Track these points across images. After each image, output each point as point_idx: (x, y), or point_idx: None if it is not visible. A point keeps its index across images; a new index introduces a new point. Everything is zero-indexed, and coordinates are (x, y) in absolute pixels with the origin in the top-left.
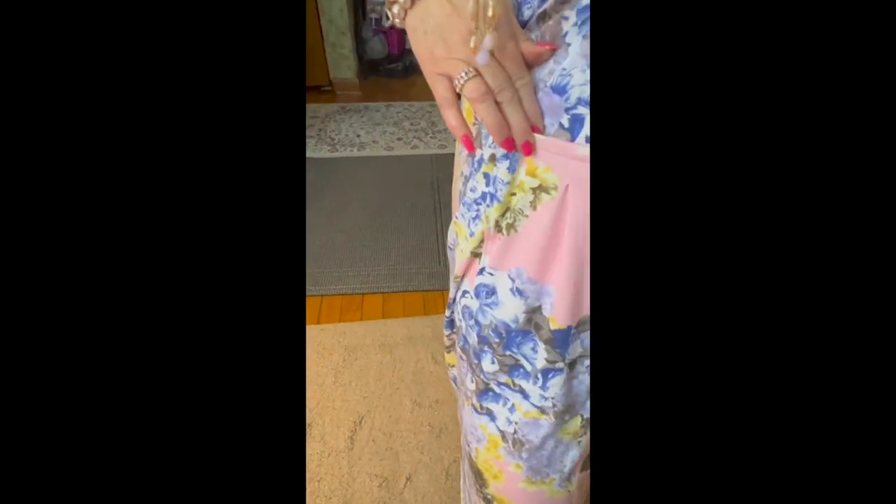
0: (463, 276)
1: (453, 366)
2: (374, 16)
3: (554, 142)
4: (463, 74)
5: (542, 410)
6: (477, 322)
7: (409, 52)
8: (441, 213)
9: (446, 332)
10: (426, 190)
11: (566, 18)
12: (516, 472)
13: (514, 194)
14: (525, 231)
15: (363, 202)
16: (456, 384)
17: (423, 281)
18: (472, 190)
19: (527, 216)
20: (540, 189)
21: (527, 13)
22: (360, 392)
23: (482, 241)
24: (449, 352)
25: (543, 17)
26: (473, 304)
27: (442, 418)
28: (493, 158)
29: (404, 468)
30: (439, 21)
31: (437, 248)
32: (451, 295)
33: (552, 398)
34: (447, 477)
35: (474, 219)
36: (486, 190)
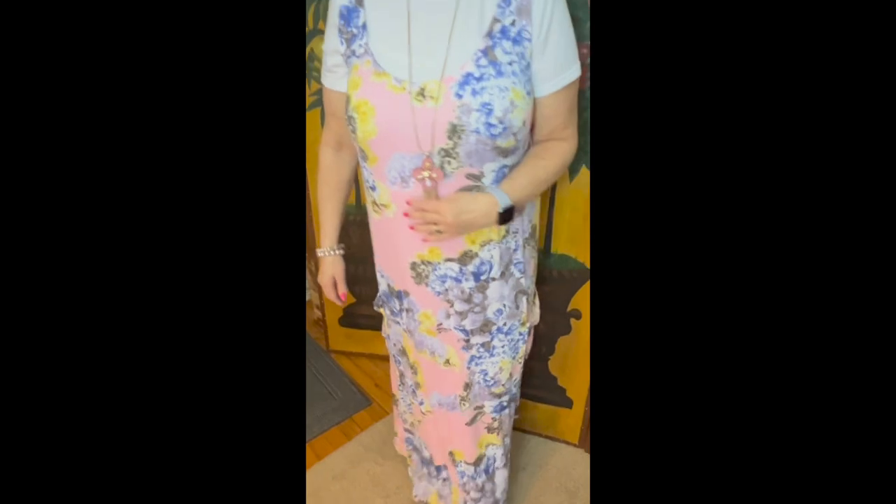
0: None
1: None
2: None
3: None
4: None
5: None
6: None
7: None
8: (314, 358)
9: None
10: None
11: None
12: None
13: None
14: None
15: None
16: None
17: (329, 416)
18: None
19: None
20: None
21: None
22: None
23: None
24: None
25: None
26: None
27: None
28: None
29: None
30: (322, 269)
31: (325, 390)
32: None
33: None
34: None
35: None
36: None
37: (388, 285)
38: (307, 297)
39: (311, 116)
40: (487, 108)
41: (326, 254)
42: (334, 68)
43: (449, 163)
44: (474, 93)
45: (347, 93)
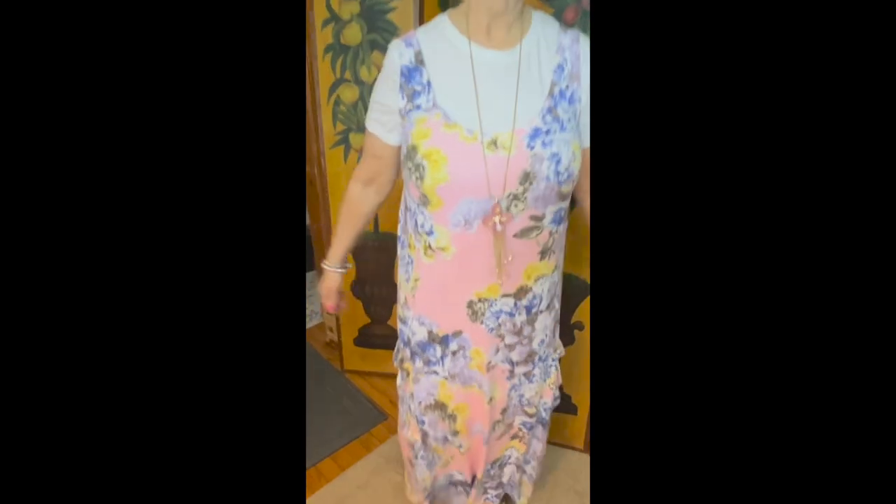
0: None
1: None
2: None
3: None
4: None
5: None
6: None
7: None
8: (330, 378)
9: None
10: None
11: None
12: None
13: None
14: None
15: None
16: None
17: (348, 431)
18: None
19: None
20: None
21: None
22: None
23: None
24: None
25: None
26: None
27: None
28: None
29: None
30: (324, 279)
31: (342, 407)
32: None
33: None
34: None
35: None
36: None
37: (430, 332)
38: (321, 320)
39: (335, 154)
40: (556, 158)
41: (331, 269)
42: (389, 123)
43: (516, 205)
44: (544, 144)
45: (412, 143)
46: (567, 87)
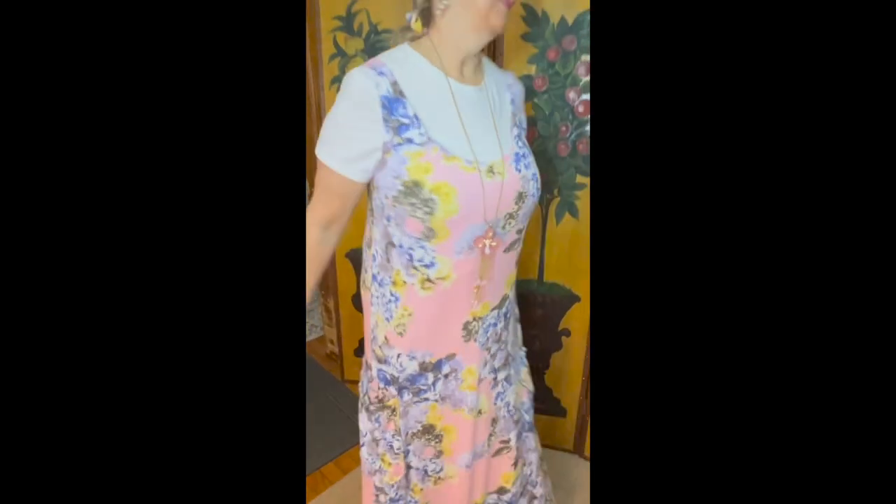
0: None
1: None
2: None
3: None
4: None
5: None
6: None
7: None
8: (331, 388)
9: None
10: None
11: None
12: None
13: None
14: None
15: None
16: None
17: (349, 437)
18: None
19: None
20: None
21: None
22: None
23: None
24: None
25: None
26: None
27: None
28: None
29: None
30: None
31: (344, 415)
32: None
33: None
34: None
35: None
36: None
37: (422, 363)
38: (321, 333)
39: None
40: (535, 177)
41: None
42: (364, 162)
43: (510, 223)
44: (526, 167)
45: (412, 178)
46: (520, 117)
